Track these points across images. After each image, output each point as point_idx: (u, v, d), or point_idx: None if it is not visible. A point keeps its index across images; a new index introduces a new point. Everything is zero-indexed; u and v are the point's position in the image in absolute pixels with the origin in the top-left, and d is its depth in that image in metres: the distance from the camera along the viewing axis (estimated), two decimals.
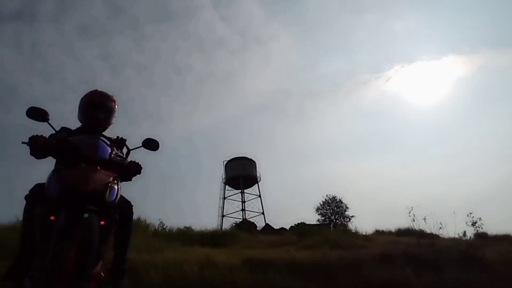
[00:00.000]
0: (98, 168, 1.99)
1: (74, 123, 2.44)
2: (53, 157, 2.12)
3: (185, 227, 12.60)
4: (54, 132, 2.17)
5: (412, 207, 7.65)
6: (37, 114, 2.12)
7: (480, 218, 7.90)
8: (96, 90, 2.49)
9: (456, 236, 7.73)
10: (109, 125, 2.50)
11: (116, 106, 2.50)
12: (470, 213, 7.94)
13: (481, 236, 7.24)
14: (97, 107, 2.39)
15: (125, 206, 2.23)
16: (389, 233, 13.62)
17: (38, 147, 1.97)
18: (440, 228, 7.74)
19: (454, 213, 7.45)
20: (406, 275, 4.93)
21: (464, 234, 7.88)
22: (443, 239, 8.20)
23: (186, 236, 10.44)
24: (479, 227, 7.89)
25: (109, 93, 2.52)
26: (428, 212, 7.75)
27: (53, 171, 2.00)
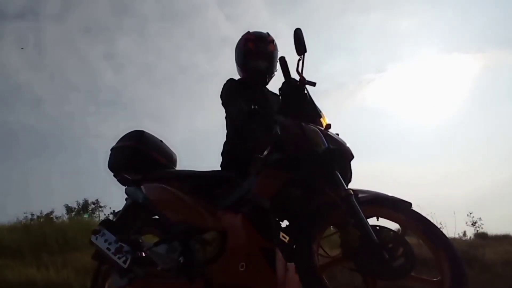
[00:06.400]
0: None
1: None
2: None
3: None
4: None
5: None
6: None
7: (480, 218, 7.93)
8: (249, 33, 2.10)
9: (456, 236, 7.73)
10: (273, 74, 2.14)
11: (275, 50, 2.11)
12: (470, 213, 7.96)
13: (481, 236, 7.24)
14: (255, 57, 2.04)
15: None
16: None
17: None
18: (440, 228, 7.72)
19: (454, 213, 7.45)
20: None
21: (464, 234, 7.89)
22: None
23: None
24: (479, 227, 7.91)
25: (264, 33, 2.11)
26: (428, 212, 7.72)
27: None
